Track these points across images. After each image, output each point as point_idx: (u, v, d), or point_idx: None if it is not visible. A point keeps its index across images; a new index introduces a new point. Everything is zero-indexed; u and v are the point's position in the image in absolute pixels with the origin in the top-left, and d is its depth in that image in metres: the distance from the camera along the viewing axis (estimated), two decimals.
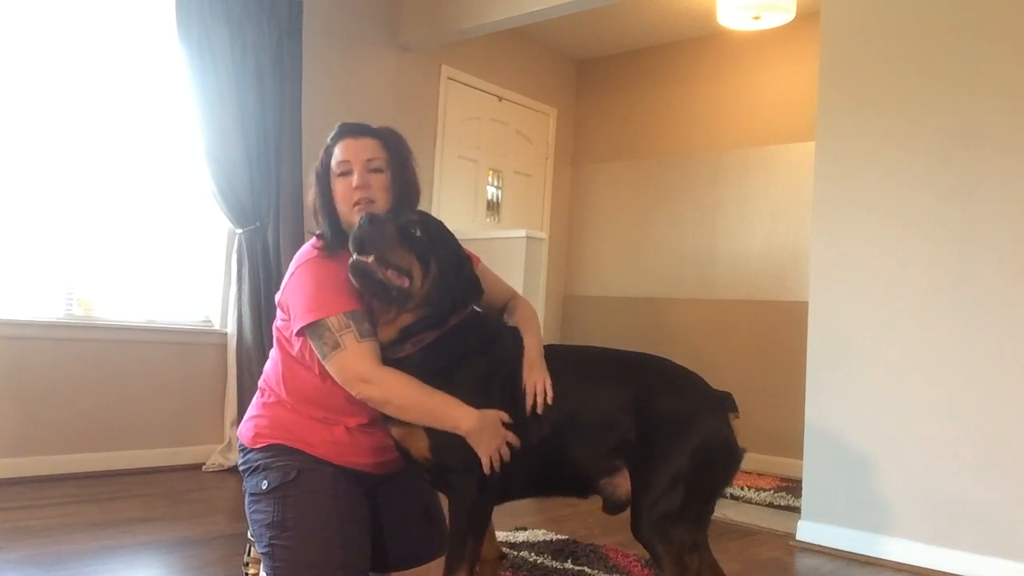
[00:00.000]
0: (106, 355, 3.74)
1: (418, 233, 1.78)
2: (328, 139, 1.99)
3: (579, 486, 1.81)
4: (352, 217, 1.87)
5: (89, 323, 3.75)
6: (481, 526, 1.77)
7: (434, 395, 1.73)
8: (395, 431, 1.80)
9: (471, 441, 1.71)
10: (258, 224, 4.06)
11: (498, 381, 1.79)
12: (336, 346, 1.75)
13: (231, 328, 4.07)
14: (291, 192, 4.15)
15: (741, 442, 1.78)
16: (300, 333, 1.82)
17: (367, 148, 1.93)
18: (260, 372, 3.86)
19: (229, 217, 4.00)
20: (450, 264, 1.81)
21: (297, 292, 1.83)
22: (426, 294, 1.76)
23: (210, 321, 4.17)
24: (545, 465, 1.78)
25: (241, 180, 3.97)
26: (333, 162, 1.93)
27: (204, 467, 3.95)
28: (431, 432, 1.74)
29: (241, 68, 3.99)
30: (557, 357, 1.85)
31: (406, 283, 1.74)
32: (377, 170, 1.92)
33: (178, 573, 2.40)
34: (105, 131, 3.80)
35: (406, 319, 1.78)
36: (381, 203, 1.90)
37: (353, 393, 1.77)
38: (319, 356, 1.80)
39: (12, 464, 3.45)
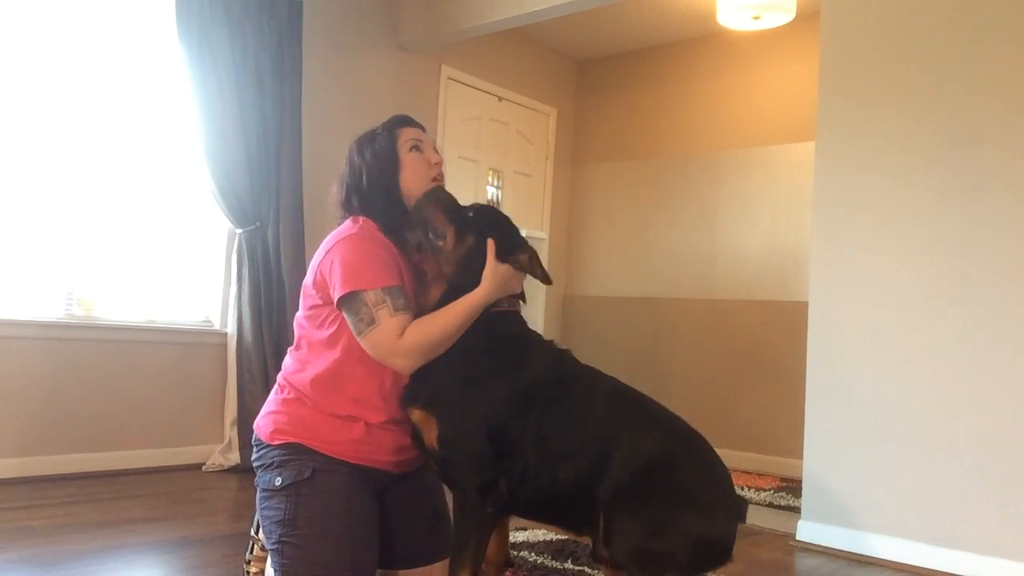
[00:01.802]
0: (106, 355, 3.74)
1: (471, 215, 1.91)
2: (380, 126, 2.05)
3: (580, 520, 1.78)
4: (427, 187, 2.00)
5: (89, 323, 3.75)
6: (484, 528, 1.76)
7: (446, 310, 1.82)
8: (415, 415, 1.82)
9: (502, 295, 1.85)
10: (258, 224, 4.06)
11: (532, 397, 1.78)
12: (372, 322, 1.79)
13: (231, 328, 4.07)
14: (291, 192, 4.15)
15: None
16: (339, 305, 1.85)
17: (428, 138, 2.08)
18: (260, 372, 3.96)
19: (229, 217, 4.00)
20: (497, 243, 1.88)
21: (337, 265, 1.85)
22: (460, 260, 1.86)
23: (210, 321, 4.17)
24: (557, 486, 1.75)
25: (241, 180, 3.97)
26: (402, 140, 2.01)
27: (204, 467, 3.95)
28: (441, 423, 1.76)
29: (241, 68, 3.99)
30: (604, 392, 1.83)
31: (440, 243, 1.87)
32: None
33: (178, 573, 2.40)
34: (105, 131, 3.80)
35: (445, 278, 1.87)
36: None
37: (389, 366, 1.82)
38: (354, 332, 1.83)
39: (12, 464, 3.45)
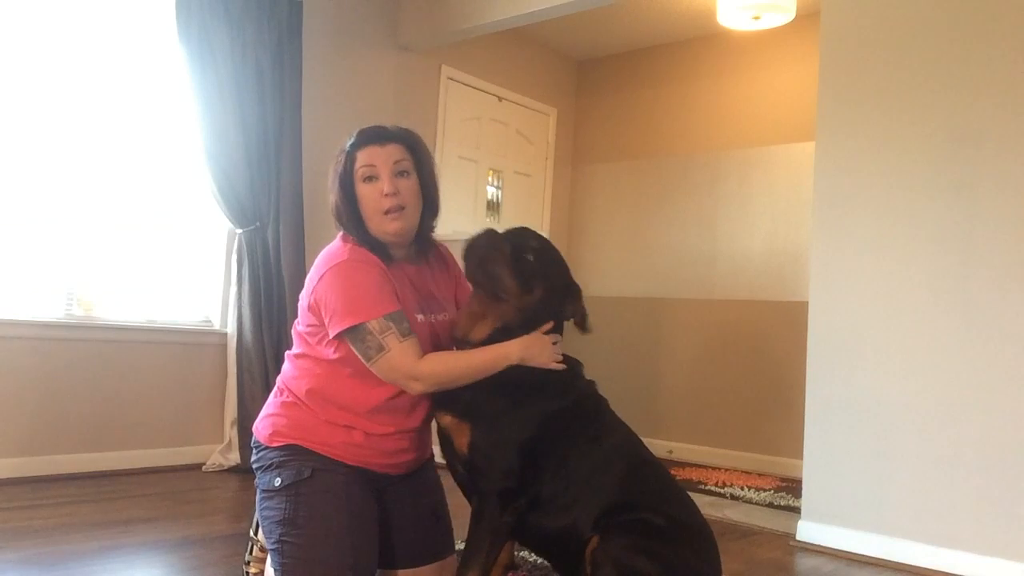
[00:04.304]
0: (106, 355, 3.74)
1: (530, 258, 1.87)
2: (346, 145, 1.94)
3: (574, 567, 1.77)
4: (384, 225, 1.88)
5: (89, 323, 3.74)
6: (498, 535, 1.76)
7: (475, 353, 1.83)
8: (445, 420, 1.85)
9: (529, 363, 1.81)
10: (258, 224, 4.06)
11: (566, 422, 1.80)
12: (381, 349, 1.79)
13: (231, 328, 4.07)
14: (291, 192, 4.15)
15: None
16: (339, 336, 1.83)
17: (393, 152, 1.90)
18: (260, 372, 3.97)
19: (229, 217, 4.00)
20: (556, 293, 1.90)
21: (332, 295, 1.82)
22: (524, 312, 1.85)
23: (210, 321, 4.17)
24: (563, 522, 1.76)
25: (241, 180, 3.97)
26: (356, 166, 1.90)
27: (204, 467, 3.95)
28: (475, 430, 1.79)
29: (241, 68, 3.99)
30: (629, 449, 1.85)
31: (506, 295, 1.87)
32: (404, 173, 1.91)
33: (178, 573, 2.40)
34: (105, 131, 3.80)
35: (499, 322, 1.86)
36: (412, 209, 1.92)
37: (405, 389, 1.83)
38: (362, 359, 1.82)
39: (12, 464, 3.45)
